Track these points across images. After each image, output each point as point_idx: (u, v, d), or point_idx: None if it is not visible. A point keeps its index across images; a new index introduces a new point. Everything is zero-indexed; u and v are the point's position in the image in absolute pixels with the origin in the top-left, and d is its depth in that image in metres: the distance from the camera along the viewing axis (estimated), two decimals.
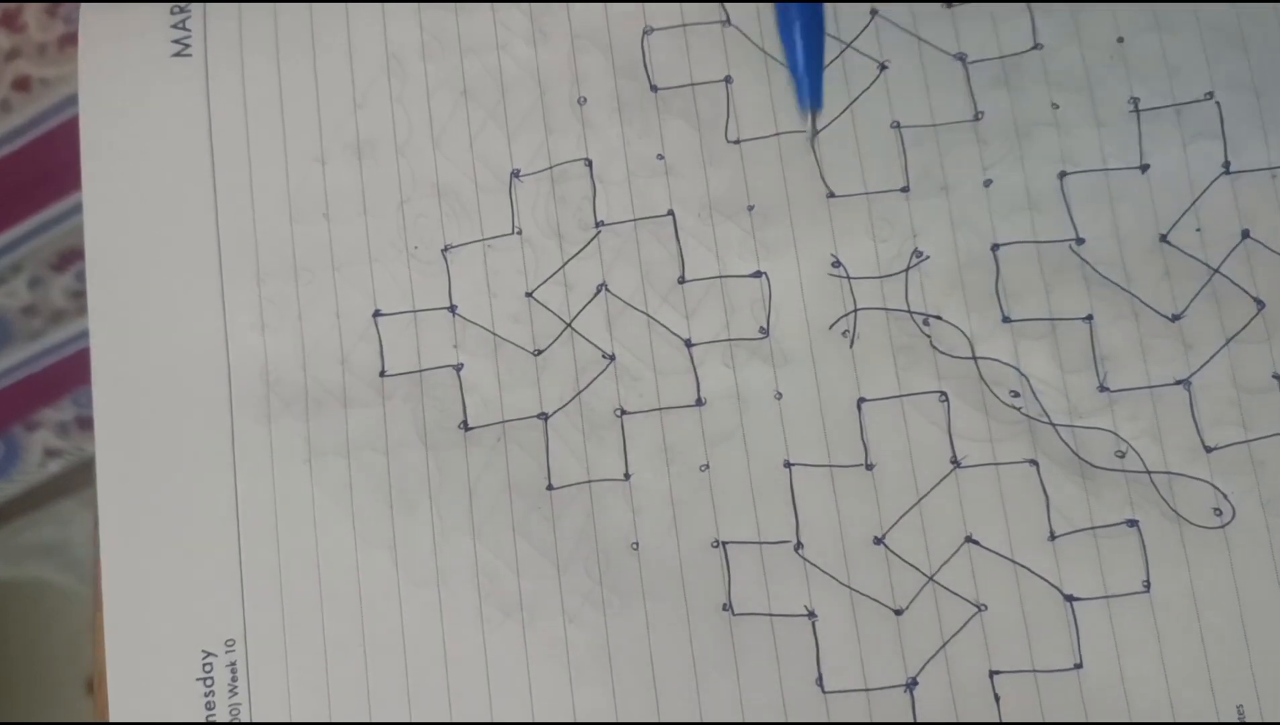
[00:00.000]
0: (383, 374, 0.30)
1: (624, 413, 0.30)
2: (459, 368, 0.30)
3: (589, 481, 0.29)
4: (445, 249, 0.31)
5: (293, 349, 0.30)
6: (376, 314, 0.30)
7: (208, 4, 0.32)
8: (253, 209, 0.31)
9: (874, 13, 0.31)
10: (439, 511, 0.29)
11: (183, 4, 0.32)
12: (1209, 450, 0.28)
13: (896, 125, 0.30)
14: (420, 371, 0.30)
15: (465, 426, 0.30)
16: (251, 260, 0.31)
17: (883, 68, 0.30)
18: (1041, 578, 0.28)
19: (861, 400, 0.29)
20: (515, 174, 0.31)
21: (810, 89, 0.30)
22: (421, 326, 0.30)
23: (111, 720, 0.28)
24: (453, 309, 0.30)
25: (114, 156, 0.31)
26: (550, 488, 0.29)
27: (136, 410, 0.30)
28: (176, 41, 0.32)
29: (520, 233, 0.31)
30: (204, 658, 0.29)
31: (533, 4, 0.31)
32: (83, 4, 0.32)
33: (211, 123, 0.31)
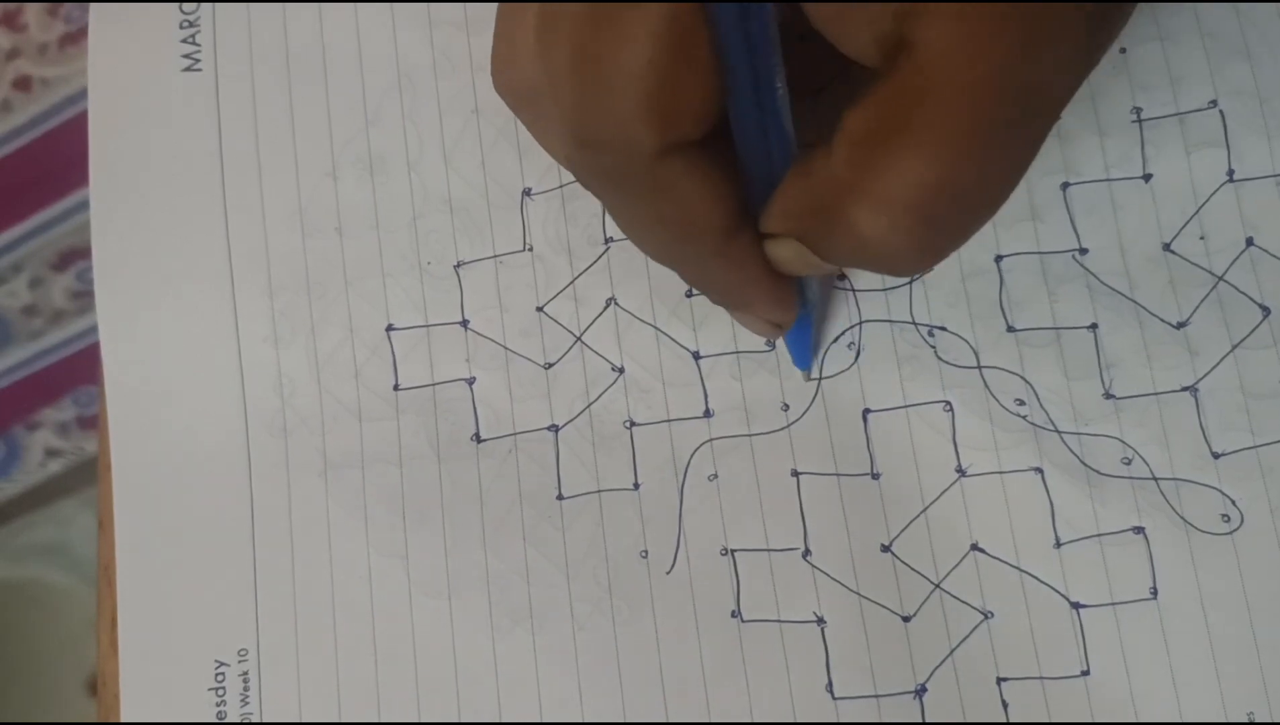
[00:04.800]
0: (396, 388, 0.31)
1: (633, 424, 0.30)
2: (471, 381, 0.31)
3: (599, 491, 0.30)
4: (457, 265, 0.31)
5: (306, 362, 0.31)
6: (389, 328, 0.31)
7: (217, 19, 0.32)
8: (264, 223, 0.31)
9: None
10: (451, 522, 0.30)
11: (192, 19, 0.32)
12: (1216, 456, 0.29)
13: None
14: (433, 385, 0.31)
15: (477, 438, 0.30)
16: (263, 274, 0.31)
17: None
18: (1048, 585, 0.28)
19: (867, 411, 0.29)
20: (526, 192, 0.31)
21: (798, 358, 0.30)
22: (434, 341, 0.31)
23: None
24: (465, 323, 0.31)
25: (124, 170, 0.32)
26: (560, 497, 0.30)
27: (151, 422, 0.30)
28: (186, 56, 0.32)
29: (531, 249, 0.31)
30: (217, 667, 0.29)
31: None
32: (92, 16, 0.32)
33: (222, 136, 0.32)
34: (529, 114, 0.25)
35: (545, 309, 0.31)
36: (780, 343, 0.30)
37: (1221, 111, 0.30)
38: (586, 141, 0.21)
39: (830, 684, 0.28)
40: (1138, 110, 0.30)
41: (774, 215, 0.22)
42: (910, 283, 0.30)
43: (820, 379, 0.30)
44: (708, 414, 0.30)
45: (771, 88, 0.21)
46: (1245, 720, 0.27)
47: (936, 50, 0.18)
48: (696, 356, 0.30)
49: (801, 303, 0.26)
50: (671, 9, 0.19)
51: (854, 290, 0.30)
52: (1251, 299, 0.29)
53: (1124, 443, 0.29)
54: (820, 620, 0.28)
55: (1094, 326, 0.29)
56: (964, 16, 0.18)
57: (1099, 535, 0.28)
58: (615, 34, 0.19)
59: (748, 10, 0.19)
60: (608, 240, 0.31)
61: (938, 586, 0.28)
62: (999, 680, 0.28)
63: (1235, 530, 0.28)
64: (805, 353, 0.29)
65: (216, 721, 0.29)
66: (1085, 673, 0.28)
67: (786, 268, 0.24)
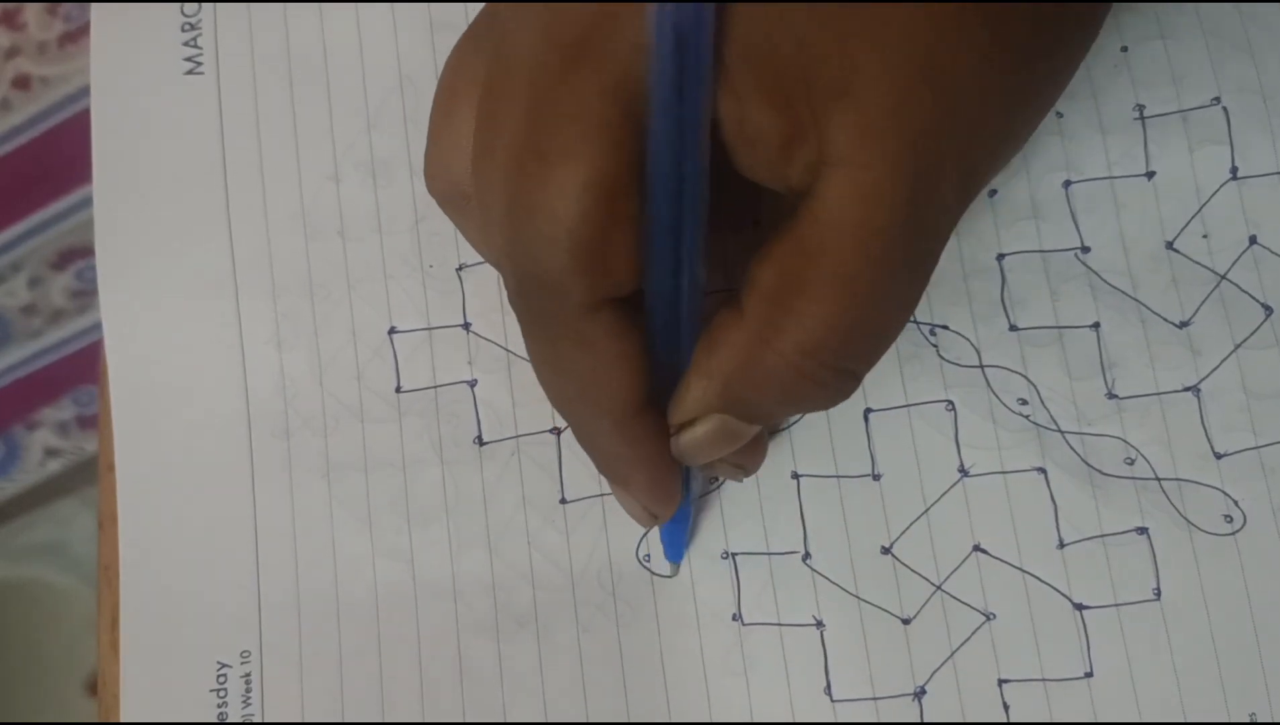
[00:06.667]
0: (398, 390, 0.31)
1: None
2: (473, 384, 0.31)
3: (601, 495, 0.30)
4: (459, 267, 0.31)
5: (309, 365, 0.31)
6: (392, 331, 0.31)
7: (219, 21, 0.32)
8: (267, 226, 0.31)
9: None
10: (455, 525, 0.30)
11: (193, 21, 0.32)
12: (1219, 457, 0.28)
13: None
14: (435, 388, 0.31)
15: (480, 441, 0.30)
16: (266, 276, 0.31)
17: None
18: (1050, 586, 0.28)
19: (868, 411, 0.29)
20: None
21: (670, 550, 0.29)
22: (436, 343, 0.31)
23: None
24: (467, 326, 0.31)
25: (127, 174, 0.32)
26: (564, 501, 0.30)
27: (154, 423, 0.30)
28: (188, 60, 0.32)
29: None
30: (219, 669, 0.29)
31: None
32: (94, 18, 0.32)
33: (224, 140, 0.32)
34: (462, 223, 0.26)
35: None
36: None
37: (1225, 109, 0.30)
38: (518, 275, 0.21)
39: (829, 686, 0.28)
40: (1140, 107, 0.30)
41: (689, 399, 0.23)
42: None
43: None
44: None
45: (694, 243, 0.20)
46: (1248, 721, 0.27)
47: (834, 204, 0.20)
48: None
49: (682, 497, 0.26)
50: (603, 162, 0.19)
51: None
52: (1254, 298, 0.29)
53: (1126, 443, 0.29)
54: (819, 623, 0.29)
55: (1096, 325, 0.29)
56: (857, 177, 0.19)
57: (1102, 536, 0.28)
58: (548, 181, 0.19)
59: (682, 164, 0.19)
60: None
61: (939, 588, 0.28)
62: (1000, 682, 0.28)
63: (1238, 531, 0.28)
64: (679, 547, 0.29)
65: (217, 722, 0.29)
66: (1088, 674, 0.28)
67: (704, 452, 0.24)
